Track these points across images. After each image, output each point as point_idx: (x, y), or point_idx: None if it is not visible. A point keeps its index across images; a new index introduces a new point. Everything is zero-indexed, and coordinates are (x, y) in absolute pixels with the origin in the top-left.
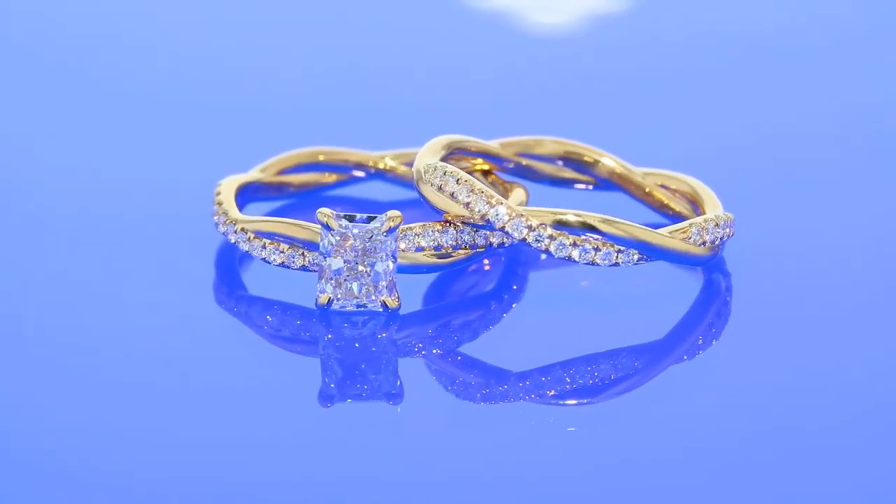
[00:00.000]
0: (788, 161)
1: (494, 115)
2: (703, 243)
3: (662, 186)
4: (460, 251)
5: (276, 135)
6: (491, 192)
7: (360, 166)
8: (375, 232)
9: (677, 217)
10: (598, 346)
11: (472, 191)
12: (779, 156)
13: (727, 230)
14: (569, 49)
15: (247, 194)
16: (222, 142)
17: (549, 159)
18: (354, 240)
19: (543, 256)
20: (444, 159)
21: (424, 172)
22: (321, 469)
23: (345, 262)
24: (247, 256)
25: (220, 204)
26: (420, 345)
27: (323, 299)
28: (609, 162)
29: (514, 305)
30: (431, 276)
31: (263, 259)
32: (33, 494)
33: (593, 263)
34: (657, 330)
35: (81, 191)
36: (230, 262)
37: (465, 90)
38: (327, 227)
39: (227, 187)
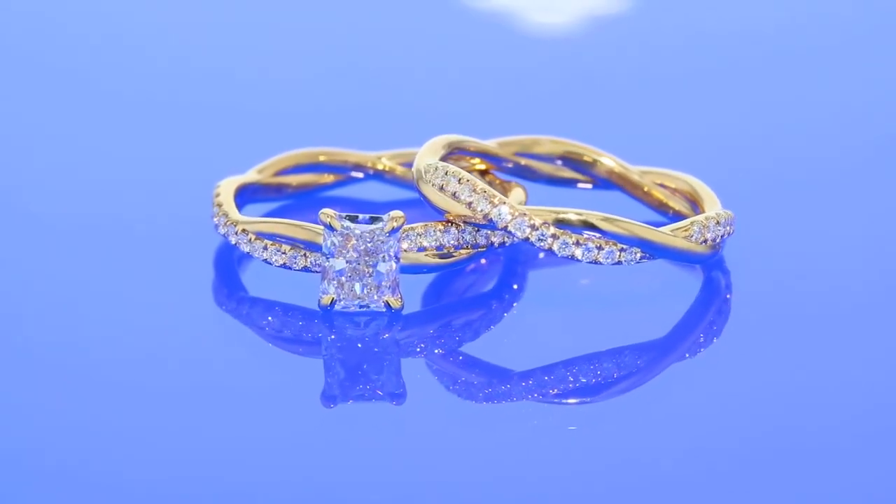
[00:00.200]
0: (785, 159)
1: (494, 116)
2: (705, 241)
3: (661, 185)
4: (462, 251)
5: (272, 135)
6: (493, 191)
7: (358, 167)
8: (378, 232)
9: (677, 216)
10: (599, 344)
11: (474, 190)
12: (775, 154)
13: (727, 228)
14: (568, 49)
15: (245, 195)
16: (215, 143)
17: (547, 159)
18: (357, 240)
19: (542, 255)
20: (443, 159)
21: (425, 172)
22: (325, 470)
23: (348, 262)
24: (245, 258)
25: (219, 205)
26: (422, 345)
27: (326, 300)
28: (608, 162)
29: (514, 305)
30: (430, 277)
31: (265, 260)
32: (33, 498)
33: (596, 262)
34: (659, 328)
35: (77, 192)
36: (229, 264)
37: (464, 90)
38: (330, 228)
39: (226, 188)
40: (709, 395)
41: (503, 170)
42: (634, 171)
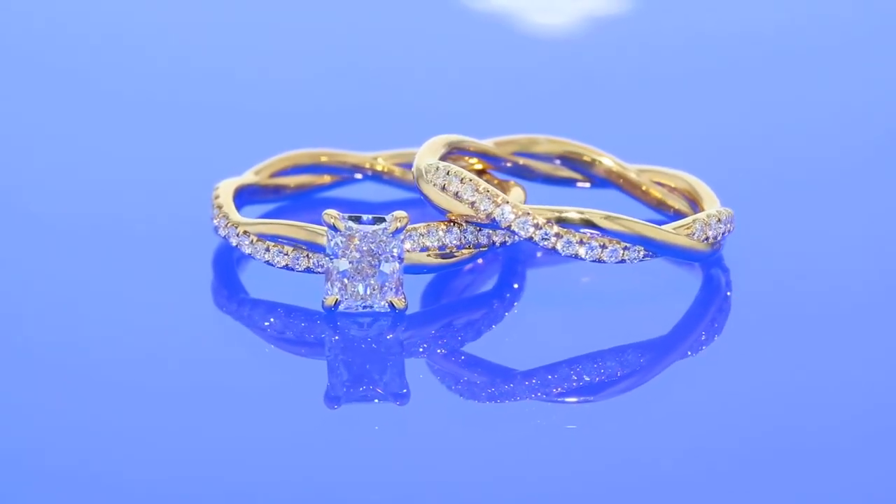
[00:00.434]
0: (781, 157)
1: (493, 116)
2: (706, 239)
3: (659, 183)
4: (464, 251)
5: (267, 136)
6: (496, 191)
7: (356, 168)
8: (382, 233)
9: (676, 214)
10: (601, 343)
11: (476, 190)
12: (771, 153)
13: (728, 226)
14: (567, 50)
15: (243, 197)
16: (208, 144)
17: (546, 158)
18: (361, 241)
19: (539, 254)
20: (442, 158)
21: (426, 172)
22: (329, 470)
23: (351, 263)
24: (244, 259)
25: (219, 207)
26: (425, 345)
27: (330, 301)
28: (607, 161)
29: (515, 304)
30: (428, 277)
31: (267, 262)
32: (33, 500)
33: (600, 261)
34: (660, 326)
35: (74, 193)
36: (228, 266)
37: (463, 91)
38: (334, 229)
39: (225, 190)
40: (712, 393)
41: (501, 169)
42: (633, 170)
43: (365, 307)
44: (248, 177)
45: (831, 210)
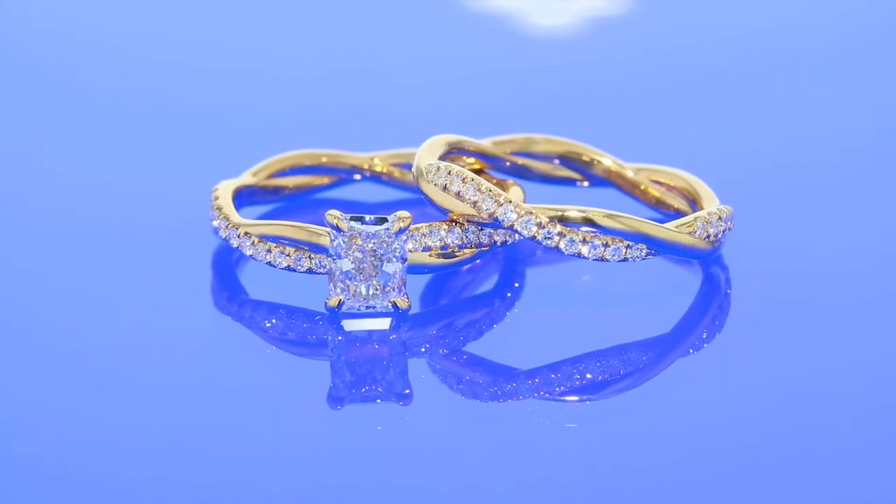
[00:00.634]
0: (778, 156)
1: (493, 117)
2: (707, 237)
3: (657, 182)
4: (465, 250)
5: (263, 137)
6: (498, 190)
7: (355, 169)
8: (385, 233)
9: (675, 213)
10: (604, 342)
11: (479, 189)
12: (768, 151)
13: (728, 223)
14: (567, 51)
15: (241, 198)
16: (202, 145)
17: (546, 158)
18: (364, 241)
19: (539, 252)
20: (441, 158)
21: (427, 172)
22: (333, 471)
23: (354, 263)
24: (244, 260)
25: (219, 209)
26: (427, 345)
27: (333, 301)
28: (606, 161)
29: (517, 303)
30: (426, 277)
31: (269, 263)
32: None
33: (602, 259)
34: (662, 324)
35: (70, 194)
36: (228, 267)
37: (463, 91)
38: (337, 229)
39: (224, 191)
40: (715, 390)
41: (501, 169)
42: (631, 169)
43: (368, 307)
44: (246, 178)
45: (828, 206)
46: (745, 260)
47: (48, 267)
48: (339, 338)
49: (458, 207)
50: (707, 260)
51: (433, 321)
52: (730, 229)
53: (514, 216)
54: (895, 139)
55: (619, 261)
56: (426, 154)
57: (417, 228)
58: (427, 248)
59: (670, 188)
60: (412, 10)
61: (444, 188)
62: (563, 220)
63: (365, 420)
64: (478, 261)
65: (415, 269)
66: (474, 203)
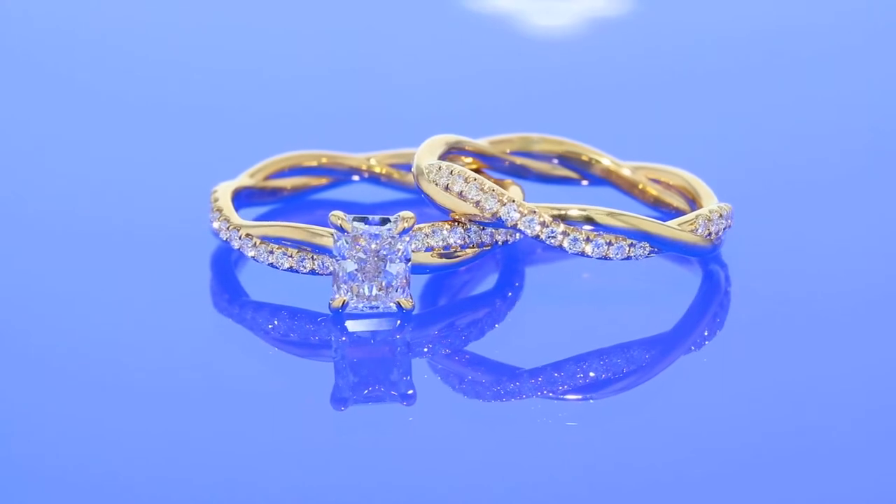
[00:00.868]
0: (773, 154)
1: (493, 117)
2: (708, 235)
3: (655, 181)
4: (467, 250)
5: (260, 138)
6: (501, 190)
7: (354, 170)
8: (389, 233)
9: (673, 212)
10: (606, 340)
11: (481, 189)
12: (766, 151)
13: (728, 221)
14: (567, 51)
15: (240, 199)
16: (195, 147)
17: (545, 158)
18: (368, 242)
19: (539, 250)
20: (441, 158)
21: (429, 172)
22: (338, 472)
23: (358, 264)
24: (242, 262)
25: (219, 210)
26: (430, 345)
27: (337, 303)
28: (605, 161)
29: (517, 303)
30: (424, 277)
31: (271, 264)
32: None
33: (606, 258)
34: (663, 322)
35: (67, 196)
36: (227, 269)
37: (463, 92)
38: (340, 230)
39: (224, 193)
40: (718, 387)
41: (499, 169)
42: (629, 168)
43: (372, 308)
44: (244, 179)
45: (825, 204)
46: (744, 258)
47: (46, 268)
48: (343, 338)
49: (460, 207)
50: (706, 258)
51: (435, 321)
52: (729, 227)
53: (518, 215)
54: (892, 138)
55: (623, 259)
56: (426, 154)
57: (420, 228)
58: (429, 248)
59: (668, 187)
60: (411, 11)
61: (446, 188)
62: (564, 220)
63: (369, 421)
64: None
65: (417, 269)
66: (477, 203)
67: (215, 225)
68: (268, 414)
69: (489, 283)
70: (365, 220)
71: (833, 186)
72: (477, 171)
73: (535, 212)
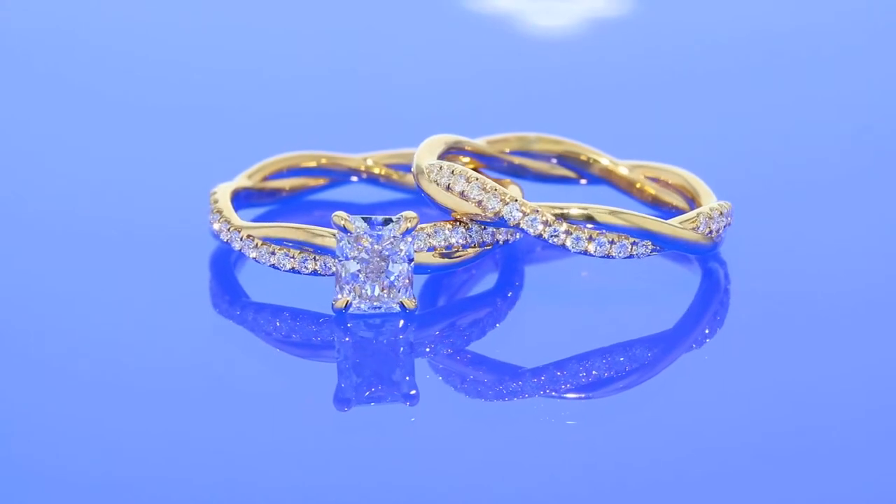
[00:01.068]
0: (770, 154)
1: (493, 117)
2: (710, 233)
3: (654, 179)
4: (468, 250)
5: (257, 138)
6: (503, 189)
7: (352, 171)
8: (393, 233)
9: (672, 210)
10: (608, 339)
11: (483, 189)
12: (761, 150)
13: (728, 219)
14: (567, 52)
15: (238, 201)
16: (190, 147)
17: (544, 157)
18: (371, 242)
19: (539, 248)
20: (440, 158)
21: (429, 172)
22: (342, 473)
23: (361, 264)
24: (241, 263)
25: (219, 212)
26: (432, 345)
27: (340, 303)
28: (604, 161)
29: (518, 302)
30: (422, 277)
31: (272, 265)
32: None
33: (609, 256)
34: (664, 320)
35: (64, 197)
36: (227, 271)
37: (463, 92)
38: (344, 230)
39: (223, 194)
40: (721, 384)
41: (497, 168)
42: (627, 167)
43: (375, 308)
44: (242, 180)
45: (820, 200)
46: (743, 255)
47: (45, 269)
48: (347, 339)
49: (462, 207)
50: (706, 256)
51: (436, 321)
52: (729, 224)
53: (520, 215)
54: (889, 136)
55: (625, 257)
56: (426, 154)
57: (422, 228)
58: (431, 248)
59: (667, 185)
60: (411, 11)
61: (448, 188)
62: (568, 219)
63: (372, 421)
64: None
65: (418, 269)
66: (479, 202)
67: (216, 226)
68: (271, 415)
69: (489, 282)
70: (368, 221)
71: (828, 183)
72: (475, 171)
73: (537, 211)
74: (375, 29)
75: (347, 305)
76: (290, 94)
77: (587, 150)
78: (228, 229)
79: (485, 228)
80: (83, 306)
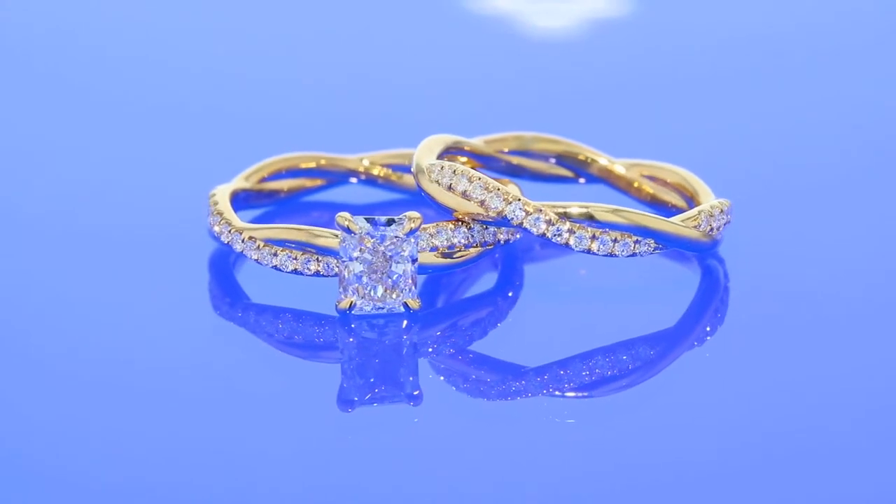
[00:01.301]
0: (768, 153)
1: (492, 118)
2: (711, 230)
3: (651, 178)
4: (470, 249)
5: (254, 138)
6: (506, 189)
7: (351, 172)
8: (396, 234)
9: (671, 208)
10: (609, 337)
11: (486, 188)
12: (759, 149)
13: (728, 217)
14: (567, 53)
15: (237, 202)
16: (186, 147)
17: (542, 157)
18: (375, 242)
19: (538, 247)
20: (439, 158)
21: (430, 171)
22: (345, 473)
23: (365, 265)
24: (240, 264)
25: (220, 213)
26: (435, 345)
27: (344, 304)
28: (603, 161)
29: (518, 302)
30: (422, 277)
31: (274, 267)
32: None
33: (612, 255)
34: (665, 318)
35: (62, 198)
36: (227, 272)
37: (462, 93)
38: (348, 231)
39: (222, 196)
40: (722, 381)
41: (495, 168)
42: (625, 166)
43: (378, 309)
44: (239, 182)
45: (817, 197)
46: (741, 253)
47: (43, 270)
48: (351, 339)
49: (464, 207)
50: (706, 254)
51: (438, 321)
52: (728, 222)
53: (523, 214)
54: (884, 133)
55: (628, 256)
56: (426, 153)
57: (425, 229)
58: (434, 248)
59: (665, 184)
60: (411, 11)
61: (450, 187)
62: (567, 218)
63: (376, 422)
64: None
65: (421, 269)
66: (482, 202)
67: (216, 229)
68: (275, 416)
69: (489, 282)
70: (371, 221)
71: (823, 180)
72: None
73: (541, 210)
74: (375, 29)
75: (351, 306)
76: (287, 94)
77: (585, 150)
78: (230, 231)
79: (486, 228)
80: (83, 308)
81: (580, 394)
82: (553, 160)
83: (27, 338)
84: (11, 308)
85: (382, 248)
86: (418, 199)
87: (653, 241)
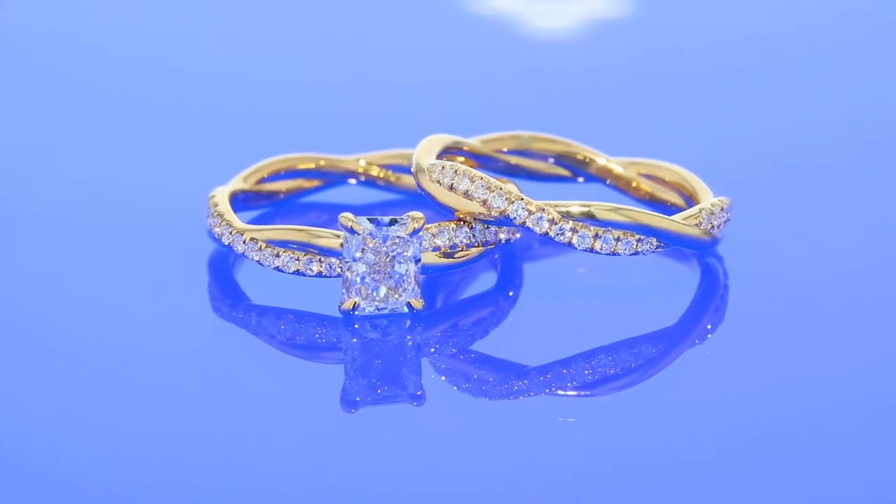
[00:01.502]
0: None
1: (492, 118)
2: (711, 228)
3: (650, 177)
4: (471, 249)
5: (252, 140)
6: (508, 188)
7: (350, 173)
8: (400, 234)
9: (669, 207)
10: (610, 336)
11: (488, 188)
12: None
13: (728, 215)
14: (567, 53)
15: (235, 204)
16: (183, 148)
17: (541, 157)
18: (378, 243)
19: (536, 245)
20: (438, 157)
21: (431, 171)
22: (348, 474)
23: (368, 265)
24: (239, 264)
25: (220, 215)
26: (437, 345)
27: (347, 305)
28: (601, 160)
29: (518, 301)
30: (421, 278)
31: (276, 268)
32: None
33: (615, 254)
34: (666, 317)
35: (60, 198)
36: (226, 273)
37: (462, 93)
38: (351, 231)
39: (222, 197)
40: (724, 379)
41: (494, 168)
42: (623, 165)
43: (381, 309)
44: (238, 183)
45: (814, 196)
46: (740, 251)
47: (42, 271)
48: (354, 339)
49: (465, 206)
50: (706, 252)
51: (440, 321)
52: (728, 220)
53: (526, 213)
54: (883, 132)
55: (631, 254)
56: (425, 153)
57: (427, 229)
58: (436, 248)
59: (664, 183)
60: (410, 11)
61: (451, 187)
62: (571, 217)
63: (379, 422)
64: None
65: (423, 269)
66: (484, 201)
67: (217, 230)
68: (278, 417)
69: (489, 281)
70: (374, 221)
71: (821, 179)
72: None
73: (543, 209)
74: (374, 29)
75: (355, 307)
76: (285, 95)
77: (583, 149)
78: (231, 233)
79: (488, 227)
80: (83, 310)
81: (582, 392)
82: (551, 160)
83: (27, 338)
84: (12, 308)
85: (385, 249)
86: (416, 199)
87: (655, 240)
